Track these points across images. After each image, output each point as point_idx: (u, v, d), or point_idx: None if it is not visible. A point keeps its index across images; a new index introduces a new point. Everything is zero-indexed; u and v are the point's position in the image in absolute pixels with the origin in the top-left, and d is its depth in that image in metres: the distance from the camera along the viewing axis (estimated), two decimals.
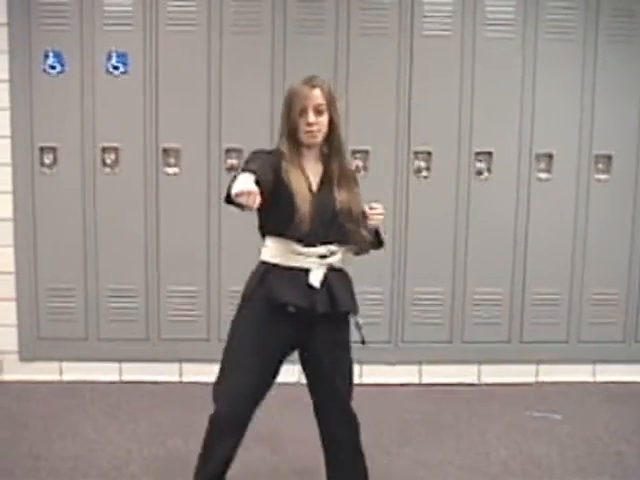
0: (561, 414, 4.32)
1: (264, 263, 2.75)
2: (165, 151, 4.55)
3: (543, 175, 4.68)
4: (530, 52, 4.58)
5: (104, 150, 4.54)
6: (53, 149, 4.54)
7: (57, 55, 4.49)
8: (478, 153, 4.63)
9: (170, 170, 4.57)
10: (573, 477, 3.55)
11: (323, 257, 2.68)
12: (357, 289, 4.50)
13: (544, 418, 4.26)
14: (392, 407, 4.40)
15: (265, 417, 4.18)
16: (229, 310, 4.59)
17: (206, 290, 4.63)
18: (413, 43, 4.54)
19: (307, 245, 2.66)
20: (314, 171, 2.72)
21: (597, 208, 4.74)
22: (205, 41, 4.49)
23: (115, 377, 4.71)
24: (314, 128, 2.62)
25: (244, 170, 2.44)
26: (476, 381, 4.80)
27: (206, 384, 4.58)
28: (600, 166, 4.72)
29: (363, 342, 2.82)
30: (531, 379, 4.82)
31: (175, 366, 4.70)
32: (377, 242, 2.86)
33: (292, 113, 2.63)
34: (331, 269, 2.71)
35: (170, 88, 4.51)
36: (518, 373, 4.79)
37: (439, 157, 4.61)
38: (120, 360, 4.69)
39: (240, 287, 4.60)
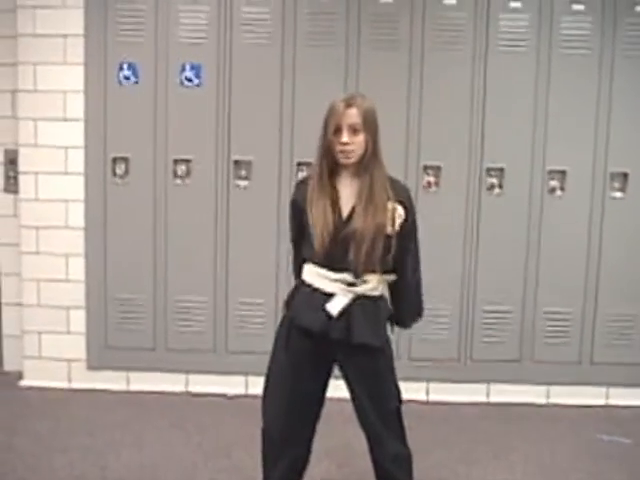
0: (632, 438, 4.22)
1: (301, 279, 2.79)
2: (236, 163, 4.56)
3: (618, 194, 4.62)
4: (607, 68, 4.51)
5: (176, 162, 4.56)
6: (125, 160, 4.58)
7: (131, 67, 4.53)
8: (552, 171, 4.57)
9: (241, 183, 4.57)
10: None
11: (351, 285, 2.65)
12: (426, 305, 4.52)
13: (614, 442, 4.17)
14: (460, 426, 4.34)
15: (331, 431, 4.17)
16: None
17: (274, 303, 4.60)
18: (487, 58, 4.49)
19: (333, 270, 2.65)
20: (350, 190, 2.66)
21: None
22: (278, 54, 4.50)
23: (181, 388, 4.72)
24: (348, 148, 2.58)
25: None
26: (545, 402, 4.72)
27: None
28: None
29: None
30: (601, 401, 4.72)
31: (241, 378, 4.69)
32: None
33: (328, 131, 2.61)
34: (360, 297, 2.66)
35: (243, 100, 4.53)
36: (588, 395, 4.70)
37: (512, 174, 4.56)
38: (187, 371, 4.71)
39: None
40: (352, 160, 2.61)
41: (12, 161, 4.75)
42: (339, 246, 2.60)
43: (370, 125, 2.61)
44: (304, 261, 2.76)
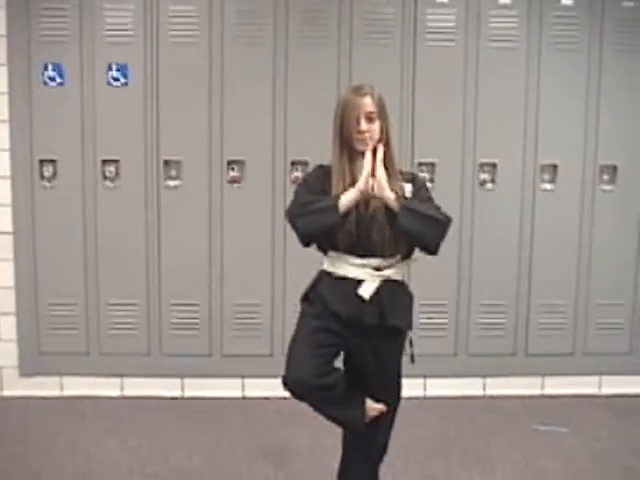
0: (568, 427, 4.27)
1: (322, 271, 2.82)
2: (166, 163, 4.50)
3: (548, 186, 4.66)
4: (534, 62, 4.56)
5: (104, 163, 4.49)
6: (53, 162, 4.49)
7: (57, 67, 4.44)
8: (483, 164, 4.60)
9: (171, 183, 4.52)
10: None
11: (378, 269, 2.71)
12: None
13: (550, 432, 4.22)
14: (397, 421, 4.33)
15: (269, 431, 4.14)
16: (232, 324, 4.60)
17: (208, 303, 4.59)
18: (416, 53, 4.50)
19: (359, 256, 2.70)
20: None
21: (602, 219, 4.69)
22: (206, 52, 4.45)
23: (117, 392, 4.65)
24: (366, 135, 2.66)
25: (297, 205, 2.71)
26: (481, 394, 4.75)
27: (208, 399, 4.58)
28: (605, 177, 4.68)
29: (412, 360, 2.87)
30: (537, 392, 4.77)
31: (177, 381, 4.64)
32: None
33: (345, 122, 2.68)
34: (387, 281, 2.72)
35: (171, 100, 4.47)
36: (524, 386, 4.75)
37: (443, 168, 4.58)
38: (122, 375, 4.64)
39: (243, 299, 4.63)
40: (369, 146, 2.68)
41: None
42: (362, 231, 2.67)
43: (383, 112, 2.72)
44: (324, 251, 2.80)
